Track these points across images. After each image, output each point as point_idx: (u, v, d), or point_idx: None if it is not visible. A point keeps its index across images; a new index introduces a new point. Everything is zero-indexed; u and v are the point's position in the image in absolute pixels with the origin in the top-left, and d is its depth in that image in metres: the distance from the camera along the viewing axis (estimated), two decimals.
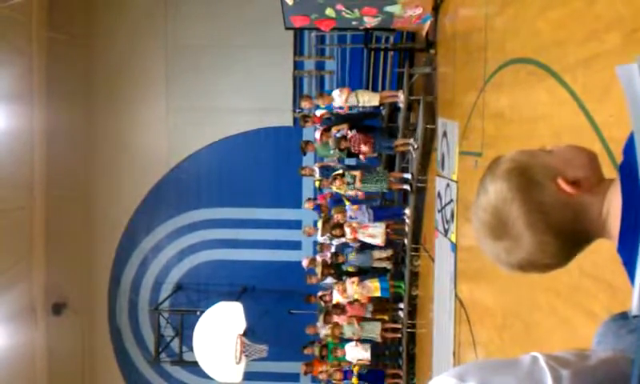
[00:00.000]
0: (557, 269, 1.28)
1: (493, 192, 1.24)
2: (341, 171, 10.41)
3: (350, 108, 10.32)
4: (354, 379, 11.26)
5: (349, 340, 11.17)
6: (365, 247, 10.79)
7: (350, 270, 11.15)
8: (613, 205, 1.21)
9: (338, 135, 10.26)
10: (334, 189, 10.52)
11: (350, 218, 10.62)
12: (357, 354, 11.09)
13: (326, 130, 10.41)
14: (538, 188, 1.22)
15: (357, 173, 10.21)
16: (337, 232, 10.55)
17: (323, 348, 11.33)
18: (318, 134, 10.61)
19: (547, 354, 1.14)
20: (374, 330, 11.03)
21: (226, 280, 14.43)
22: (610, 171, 1.34)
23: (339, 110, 10.32)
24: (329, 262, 11.22)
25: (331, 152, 10.49)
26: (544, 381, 1.09)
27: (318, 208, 11.62)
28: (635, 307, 1.17)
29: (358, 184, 10.17)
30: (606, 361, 1.16)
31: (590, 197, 1.23)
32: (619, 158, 1.24)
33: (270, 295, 14.16)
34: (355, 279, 10.80)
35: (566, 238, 1.23)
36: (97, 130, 14.46)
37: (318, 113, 10.66)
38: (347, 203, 10.78)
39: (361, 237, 10.46)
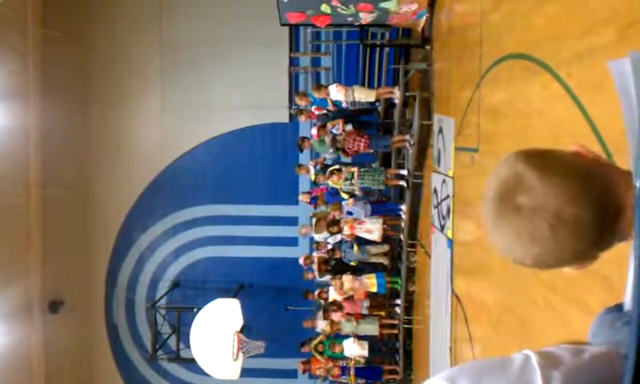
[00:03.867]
0: (593, 247, 1.15)
1: (505, 171, 1.15)
2: (338, 166, 10.42)
3: (335, 103, 10.31)
4: (352, 376, 11.27)
5: (347, 336, 11.18)
6: (361, 243, 10.79)
7: (354, 264, 11.05)
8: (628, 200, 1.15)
9: (334, 131, 10.26)
10: (331, 183, 10.52)
11: (348, 212, 10.61)
12: (355, 350, 11.10)
13: (322, 127, 10.43)
14: (553, 156, 1.18)
15: (354, 169, 10.22)
16: (334, 229, 10.55)
17: (319, 345, 11.34)
18: (314, 131, 10.64)
19: (540, 352, 1.14)
20: (373, 328, 11.04)
21: (223, 277, 14.42)
22: None
23: (331, 104, 10.33)
24: (326, 258, 11.22)
25: (328, 149, 10.50)
26: (534, 382, 1.08)
27: (315, 200, 11.54)
28: (628, 302, 1.16)
29: (355, 180, 10.18)
30: (599, 357, 1.16)
31: (609, 168, 1.19)
32: (615, 151, 1.24)
33: (267, 292, 14.16)
34: (350, 275, 10.80)
35: (590, 185, 1.12)
36: (92, 127, 14.42)
37: (314, 109, 10.67)
38: (345, 196, 10.71)
39: (358, 232, 10.47)
